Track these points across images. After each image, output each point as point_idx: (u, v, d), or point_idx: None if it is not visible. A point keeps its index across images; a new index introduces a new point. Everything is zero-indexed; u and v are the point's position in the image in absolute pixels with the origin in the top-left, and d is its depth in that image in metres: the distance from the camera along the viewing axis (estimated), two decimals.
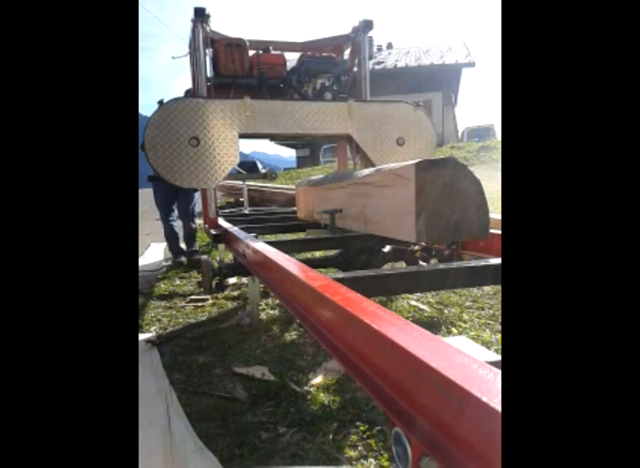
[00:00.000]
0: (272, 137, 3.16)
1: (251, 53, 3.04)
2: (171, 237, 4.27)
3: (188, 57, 3.04)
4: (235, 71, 2.96)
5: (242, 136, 2.67)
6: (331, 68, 2.97)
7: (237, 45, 2.96)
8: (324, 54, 3.19)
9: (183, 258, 4.18)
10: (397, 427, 0.58)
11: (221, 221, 2.71)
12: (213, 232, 2.43)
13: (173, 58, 3.27)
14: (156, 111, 2.46)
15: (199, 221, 4.36)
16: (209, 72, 2.92)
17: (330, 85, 2.97)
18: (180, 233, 4.32)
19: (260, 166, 5.88)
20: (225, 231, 2.34)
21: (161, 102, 2.48)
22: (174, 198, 4.27)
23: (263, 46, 3.11)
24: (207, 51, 2.90)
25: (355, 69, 3.19)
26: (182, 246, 4.30)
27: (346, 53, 3.32)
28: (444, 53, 18.78)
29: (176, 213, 4.35)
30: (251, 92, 2.75)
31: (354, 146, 2.98)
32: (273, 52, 3.12)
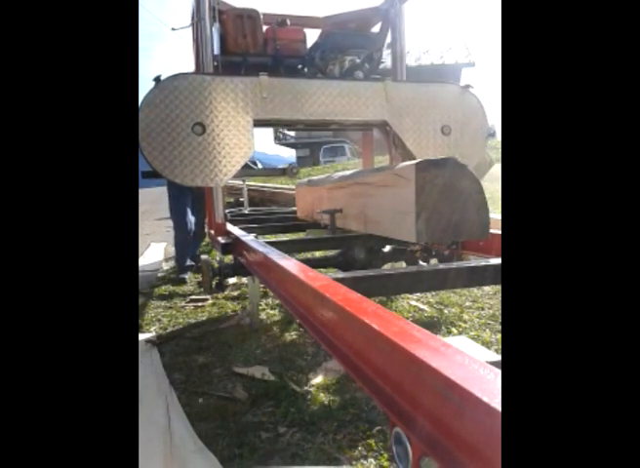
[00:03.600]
0: (292, 125, 2.67)
1: (265, 29, 2.60)
2: (181, 249, 3.70)
3: (190, 29, 2.60)
4: (246, 48, 2.48)
5: (257, 122, 2.18)
6: (363, 43, 2.46)
7: (249, 16, 2.48)
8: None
9: (187, 276, 3.65)
10: (397, 427, 0.58)
11: (231, 228, 2.28)
12: (221, 241, 2.02)
13: (173, 29, 2.77)
14: (152, 90, 1.99)
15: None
16: (215, 49, 2.42)
17: (361, 62, 2.45)
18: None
19: (259, 166, 5.85)
20: (237, 240, 1.94)
21: (158, 80, 2.02)
22: (189, 201, 3.62)
23: (279, 19, 2.62)
24: (213, 24, 2.41)
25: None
26: (189, 262, 3.76)
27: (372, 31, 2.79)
28: (444, 53, 18.78)
29: (192, 219, 3.70)
30: (265, 72, 2.27)
31: (391, 136, 2.49)
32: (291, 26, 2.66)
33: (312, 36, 2.73)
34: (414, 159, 2.23)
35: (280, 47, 2.55)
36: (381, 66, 2.78)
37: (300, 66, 2.66)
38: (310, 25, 2.86)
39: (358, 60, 2.46)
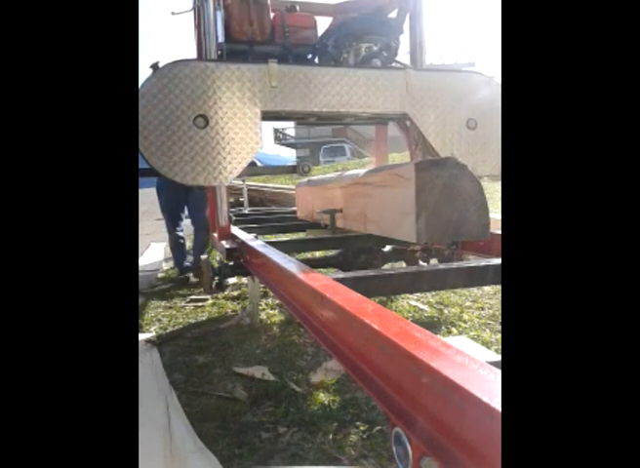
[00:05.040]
0: (303, 118, 2.42)
1: (272, 15, 2.41)
2: (177, 251, 3.63)
3: (192, 14, 2.42)
4: (253, 35, 2.29)
5: (265, 115, 1.98)
6: (380, 28, 2.23)
7: (255, 1, 2.30)
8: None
9: (190, 275, 3.56)
10: (397, 427, 0.58)
11: (236, 231, 2.12)
12: (226, 246, 1.88)
13: (172, 13, 2.59)
14: (148, 79, 1.80)
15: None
16: (219, 36, 2.21)
17: (378, 50, 2.24)
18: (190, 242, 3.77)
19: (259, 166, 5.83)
20: (243, 244, 1.80)
21: (155, 67, 1.82)
22: (183, 201, 3.54)
23: (288, 5, 2.42)
24: (217, 9, 2.20)
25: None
26: (188, 262, 3.66)
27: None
28: (444, 53, 18.81)
29: (185, 220, 3.63)
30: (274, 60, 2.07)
31: (412, 130, 2.31)
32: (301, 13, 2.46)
33: (323, 24, 2.55)
34: (437, 155, 2.09)
35: (289, 34, 2.34)
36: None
37: (310, 56, 2.47)
38: (321, 12, 2.65)
39: (375, 48, 2.23)
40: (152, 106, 1.80)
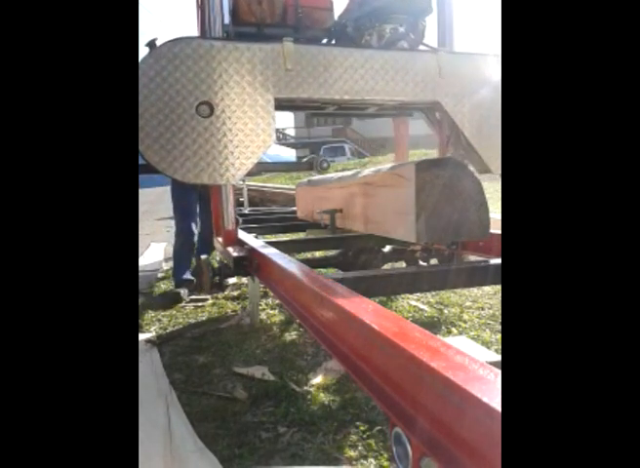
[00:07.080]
0: (321, 108, 2.16)
1: None
2: (179, 258, 3.22)
3: None
4: (262, 16, 2.06)
5: (279, 102, 1.73)
6: (407, 7, 1.98)
7: None
8: None
9: (183, 292, 3.07)
10: (397, 427, 0.58)
11: (244, 235, 1.92)
12: (233, 253, 1.66)
13: None
14: (144, 60, 1.55)
15: None
16: (225, 18, 1.96)
17: (405, 32, 2.01)
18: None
19: None
20: (252, 251, 1.60)
21: (152, 45, 1.58)
22: (194, 201, 3.17)
23: None
24: None
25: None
26: (189, 275, 3.22)
27: None
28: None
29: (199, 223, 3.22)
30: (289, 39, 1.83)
31: (444, 123, 2.11)
32: None
33: (339, 6, 2.27)
34: (470, 150, 1.90)
35: (302, 16, 2.09)
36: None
37: (325, 40, 2.24)
38: None
39: (401, 29, 1.99)
40: (149, 92, 1.54)
